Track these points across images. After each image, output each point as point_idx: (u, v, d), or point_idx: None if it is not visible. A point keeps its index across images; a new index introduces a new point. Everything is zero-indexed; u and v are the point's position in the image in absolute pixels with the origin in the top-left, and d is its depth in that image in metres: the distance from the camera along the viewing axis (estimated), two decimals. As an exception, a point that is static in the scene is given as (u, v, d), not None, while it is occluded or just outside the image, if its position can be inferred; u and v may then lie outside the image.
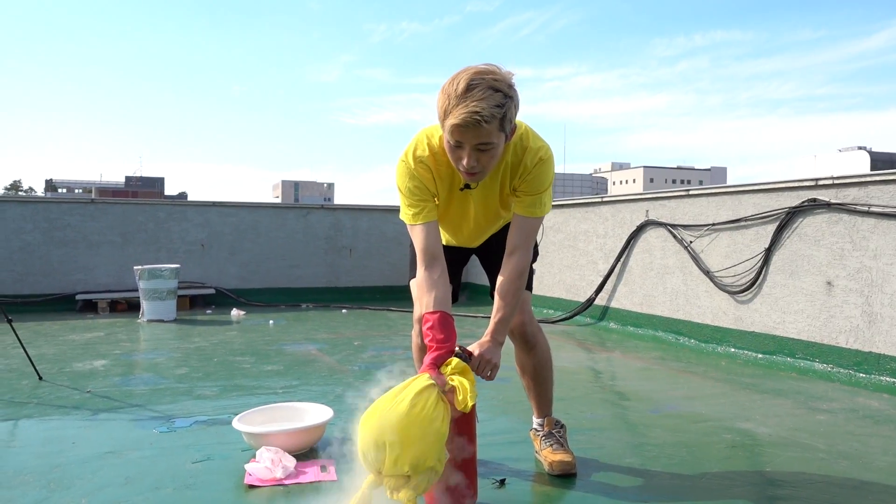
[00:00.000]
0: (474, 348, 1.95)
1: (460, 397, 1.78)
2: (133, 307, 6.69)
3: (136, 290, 6.27)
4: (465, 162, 1.82)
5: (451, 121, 1.74)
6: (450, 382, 1.79)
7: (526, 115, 1.99)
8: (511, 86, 1.78)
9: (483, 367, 1.93)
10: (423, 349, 1.99)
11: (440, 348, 1.84)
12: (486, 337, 1.98)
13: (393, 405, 1.70)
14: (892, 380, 3.54)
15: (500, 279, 2.05)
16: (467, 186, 2.03)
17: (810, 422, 2.96)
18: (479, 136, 1.76)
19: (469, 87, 1.72)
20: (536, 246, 2.36)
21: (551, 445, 2.29)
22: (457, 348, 1.91)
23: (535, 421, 2.41)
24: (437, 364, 1.82)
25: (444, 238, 2.32)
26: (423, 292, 1.95)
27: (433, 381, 1.76)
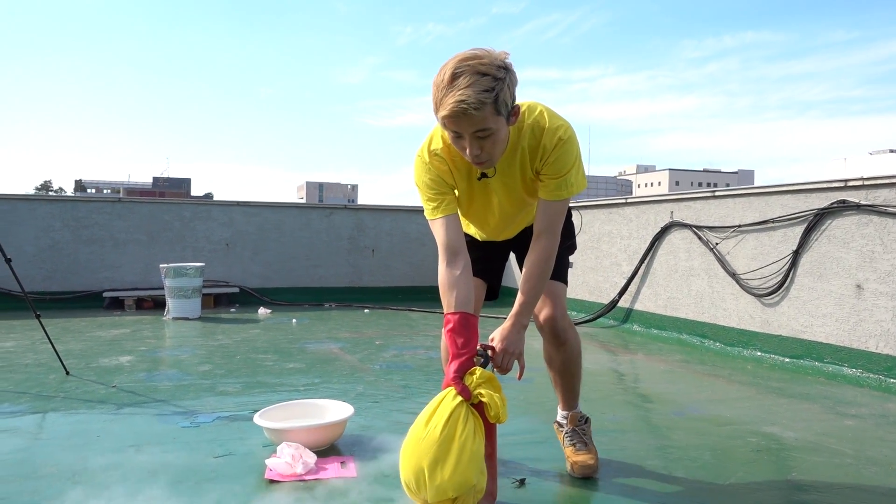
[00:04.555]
0: (496, 337, 1.93)
1: (492, 413, 1.81)
2: (159, 305, 6.77)
3: (162, 288, 6.34)
4: (467, 151, 1.79)
5: (442, 112, 1.71)
6: (478, 397, 1.79)
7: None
8: (501, 66, 1.72)
9: (506, 361, 1.91)
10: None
11: (461, 354, 1.83)
12: (508, 321, 1.95)
13: (427, 433, 1.75)
14: (924, 385, 3.45)
15: (525, 262, 2.01)
16: (485, 175, 1.98)
17: (838, 427, 2.90)
18: (474, 124, 1.72)
19: (454, 76, 1.69)
20: (574, 239, 2.33)
21: (574, 444, 2.24)
22: (478, 347, 1.90)
23: (560, 413, 2.36)
24: (461, 373, 1.81)
25: (477, 233, 2.29)
26: (444, 291, 1.93)
27: (461, 399, 1.77)
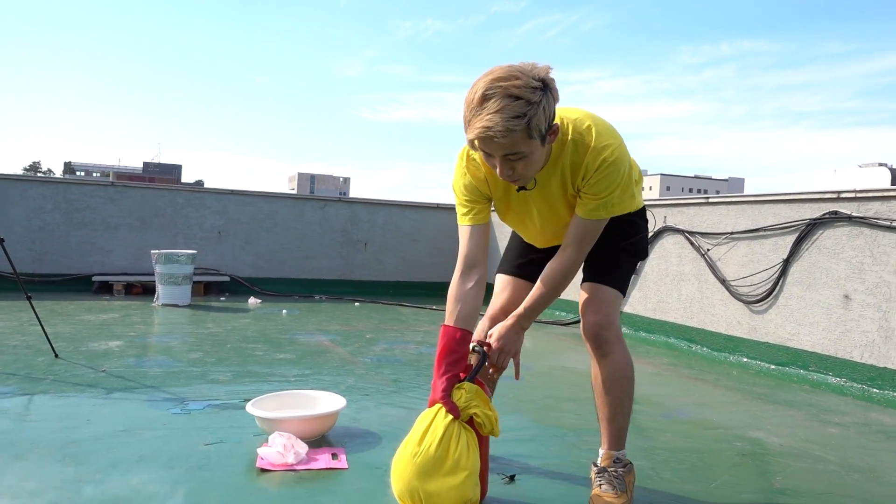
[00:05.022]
0: (495, 335, 1.92)
1: (486, 430, 1.84)
2: (148, 291, 6.74)
3: (152, 274, 6.32)
4: (498, 171, 1.73)
5: (469, 134, 1.65)
6: (467, 412, 1.81)
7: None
8: (537, 88, 1.61)
9: (501, 359, 1.92)
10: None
11: (449, 371, 1.83)
12: (509, 320, 1.93)
13: (422, 451, 1.76)
14: (907, 396, 3.51)
15: (545, 268, 1.94)
16: (523, 188, 1.88)
17: (822, 434, 2.94)
18: (503, 148, 1.65)
19: (485, 98, 1.60)
20: (637, 237, 2.10)
21: (600, 485, 1.96)
22: (474, 344, 1.92)
23: (599, 452, 2.05)
24: (450, 390, 1.82)
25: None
26: (451, 301, 1.91)
27: (453, 416, 1.79)
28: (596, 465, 2.02)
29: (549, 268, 1.92)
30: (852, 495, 2.21)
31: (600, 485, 1.96)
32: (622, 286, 2.03)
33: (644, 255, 2.15)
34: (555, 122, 1.71)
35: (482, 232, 1.95)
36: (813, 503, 2.12)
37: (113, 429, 2.50)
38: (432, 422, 1.79)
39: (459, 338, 1.85)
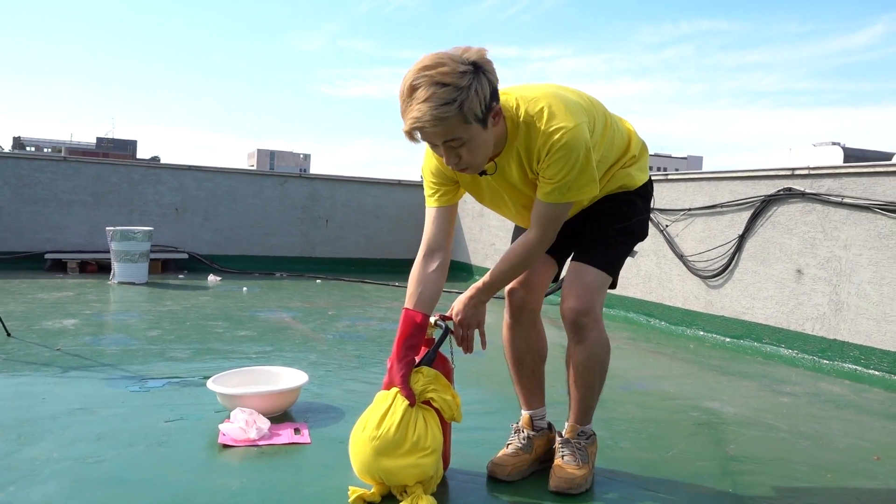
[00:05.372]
0: (454, 308, 1.91)
1: (447, 414, 1.84)
2: (103, 269, 6.59)
3: (107, 252, 6.18)
4: (445, 160, 1.71)
5: (405, 127, 1.63)
6: (423, 396, 1.81)
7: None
8: (466, 72, 1.57)
9: (464, 333, 1.91)
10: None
11: (407, 355, 1.81)
12: (467, 293, 1.92)
13: (381, 436, 1.75)
14: (854, 367, 3.64)
15: (511, 245, 1.93)
16: (484, 172, 1.84)
17: (774, 403, 3.04)
18: (440, 136, 1.62)
19: (413, 88, 1.58)
20: (633, 221, 2.01)
21: (563, 456, 1.97)
22: (434, 319, 1.91)
23: (565, 424, 2.05)
24: (407, 376, 1.80)
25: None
26: (411, 284, 1.89)
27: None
28: (560, 436, 2.02)
29: (513, 246, 1.90)
30: (802, 461, 2.29)
31: (563, 456, 1.96)
32: (611, 269, 1.95)
33: (642, 236, 2.06)
34: (495, 103, 1.66)
35: (447, 214, 1.91)
36: (765, 469, 2.19)
37: (69, 407, 2.45)
38: (391, 405, 1.78)
39: (420, 322, 1.83)
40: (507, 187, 1.88)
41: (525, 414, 2.13)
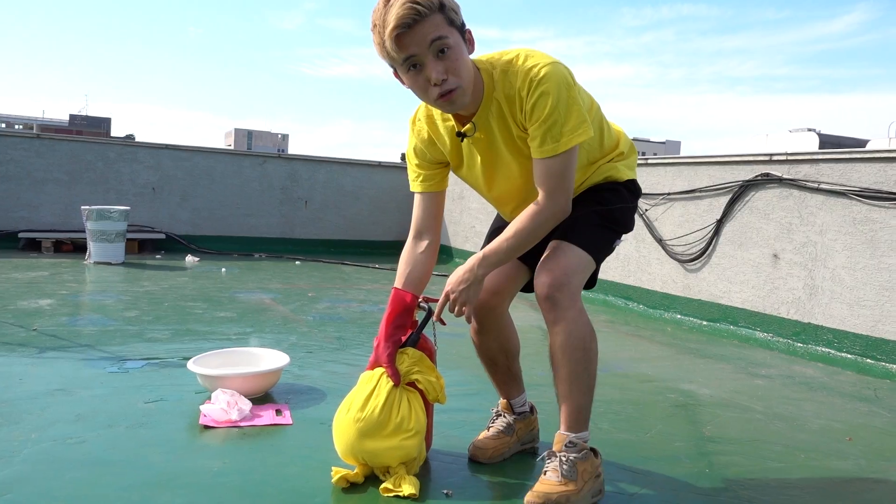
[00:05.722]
0: (450, 282, 1.74)
1: (431, 396, 1.84)
2: (79, 248, 6.50)
3: (83, 231, 6.09)
4: (432, 76, 1.57)
5: (388, 27, 1.52)
6: (408, 377, 1.81)
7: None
8: None
9: (447, 306, 1.75)
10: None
11: (395, 335, 1.80)
12: (467, 263, 1.73)
13: (365, 417, 1.74)
14: (827, 350, 3.71)
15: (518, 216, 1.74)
16: (462, 135, 1.74)
17: (749, 386, 3.09)
18: (427, 33, 1.53)
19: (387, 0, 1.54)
20: (623, 205, 1.89)
21: (545, 472, 1.73)
22: (420, 301, 1.91)
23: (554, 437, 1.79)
24: (393, 356, 1.80)
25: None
26: (401, 263, 1.89)
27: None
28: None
29: (520, 215, 1.71)
30: (776, 441, 2.34)
31: (545, 472, 1.72)
32: (592, 250, 1.78)
33: (625, 226, 1.92)
34: (466, 27, 1.63)
35: (432, 200, 1.89)
36: (740, 449, 2.24)
37: (47, 388, 2.43)
38: (376, 386, 1.78)
39: (409, 302, 1.83)
40: (488, 152, 1.77)
41: (503, 400, 2.12)
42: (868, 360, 3.51)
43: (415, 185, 1.91)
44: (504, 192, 1.88)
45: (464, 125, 1.75)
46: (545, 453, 1.77)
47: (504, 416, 2.08)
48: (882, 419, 2.69)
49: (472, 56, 1.67)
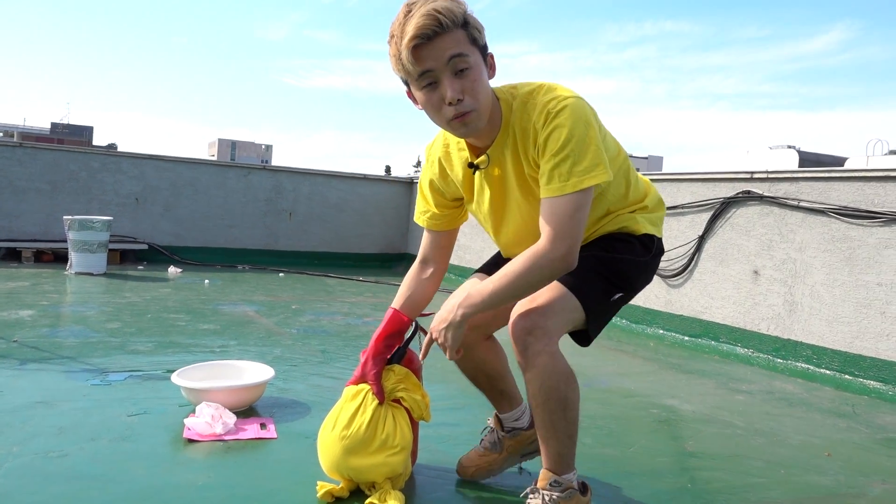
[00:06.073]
0: (434, 323, 1.65)
1: (416, 413, 1.84)
2: (60, 259, 6.45)
3: (64, 241, 6.04)
4: (447, 94, 1.48)
5: (406, 38, 1.44)
6: (393, 394, 1.81)
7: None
8: (461, 3, 1.50)
9: (429, 346, 1.70)
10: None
11: (382, 353, 1.80)
12: (451, 304, 1.62)
13: (350, 435, 1.74)
14: (807, 366, 3.76)
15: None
16: (475, 167, 1.66)
17: (730, 401, 3.13)
18: (446, 48, 1.45)
19: (409, 7, 1.47)
20: (634, 271, 1.74)
21: None
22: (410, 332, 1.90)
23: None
24: (379, 374, 1.79)
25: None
26: (404, 283, 1.88)
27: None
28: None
29: (516, 258, 1.55)
30: (757, 456, 2.36)
31: None
32: (580, 293, 1.60)
33: (627, 282, 1.72)
34: (488, 50, 1.57)
35: (439, 239, 1.87)
36: (722, 465, 2.26)
37: (29, 400, 2.40)
38: (361, 403, 1.78)
39: (404, 323, 1.83)
40: (502, 194, 1.67)
41: (494, 414, 2.08)
42: (846, 376, 3.56)
43: (419, 219, 1.87)
44: (512, 237, 1.76)
45: (478, 157, 1.67)
46: (528, 489, 1.68)
47: (494, 432, 2.04)
48: (860, 435, 2.73)
49: (492, 82, 1.60)
